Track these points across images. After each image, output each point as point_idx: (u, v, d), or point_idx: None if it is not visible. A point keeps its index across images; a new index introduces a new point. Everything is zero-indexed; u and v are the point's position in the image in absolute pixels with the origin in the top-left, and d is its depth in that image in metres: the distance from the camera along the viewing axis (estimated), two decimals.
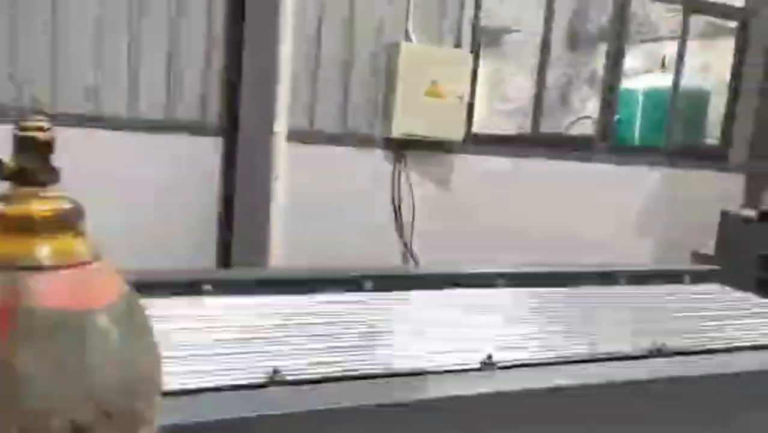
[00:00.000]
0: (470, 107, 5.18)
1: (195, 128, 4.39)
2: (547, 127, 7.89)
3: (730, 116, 6.44)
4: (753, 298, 2.32)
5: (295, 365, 1.42)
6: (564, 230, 5.53)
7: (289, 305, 1.83)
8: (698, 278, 2.72)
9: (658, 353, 1.69)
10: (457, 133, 5.02)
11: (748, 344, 1.86)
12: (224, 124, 4.43)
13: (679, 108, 6.46)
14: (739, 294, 2.35)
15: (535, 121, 5.51)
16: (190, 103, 4.38)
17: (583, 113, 7.99)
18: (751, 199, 6.59)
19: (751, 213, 2.76)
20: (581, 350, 1.68)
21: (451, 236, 5.05)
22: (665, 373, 1.58)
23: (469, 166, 5.25)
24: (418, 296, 2.07)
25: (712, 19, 6.83)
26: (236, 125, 4.37)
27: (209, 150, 4.42)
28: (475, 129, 5.31)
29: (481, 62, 5.30)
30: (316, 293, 1.92)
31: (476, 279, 2.21)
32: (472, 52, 5.05)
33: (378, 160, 4.95)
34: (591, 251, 5.57)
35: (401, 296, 2.05)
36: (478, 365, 1.52)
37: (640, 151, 6.37)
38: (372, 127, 4.88)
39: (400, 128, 4.81)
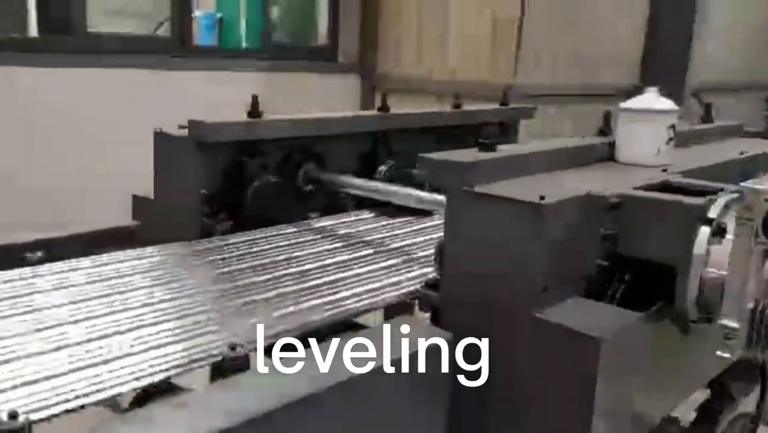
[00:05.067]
0: None
1: None
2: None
3: (335, 12, 5.66)
4: None
5: None
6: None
7: None
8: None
9: None
10: None
11: None
12: None
13: (281, 4, 5.52)
14: None
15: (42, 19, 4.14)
16: None
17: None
18: (367, 102, 6.00)
19: (181, 132, 1.75)
20: None
21: None
22: None
23: None
24: None
25: None
26: None
27: None
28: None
29: None
30: None
31: None
32: None
33: None
34: None
35: None
36: None
37: (237, 55, 5.34)
38: None
39: None
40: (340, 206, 2.13)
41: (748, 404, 1.79)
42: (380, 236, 1.89)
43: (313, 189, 2.06)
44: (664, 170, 1.56)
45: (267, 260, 1.63)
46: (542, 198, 1.22)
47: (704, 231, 1.27)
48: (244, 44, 5.79)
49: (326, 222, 1.98)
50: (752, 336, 1.21)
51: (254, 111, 1.90)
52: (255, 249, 1.70)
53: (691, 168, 1.61)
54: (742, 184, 1.23)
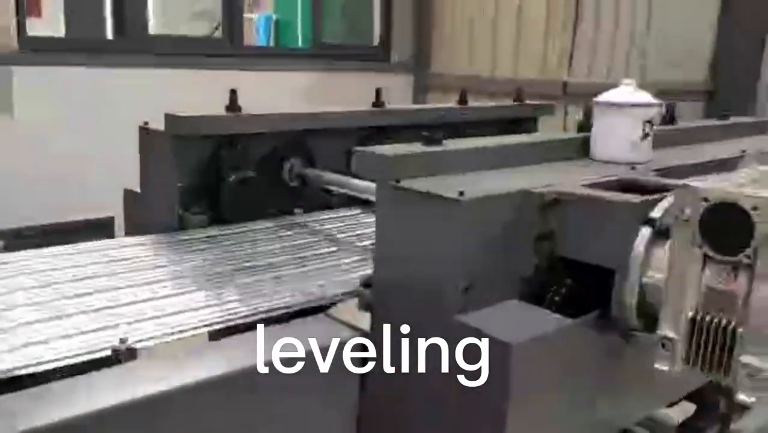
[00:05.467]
0: None
1: None
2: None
3: (388, 12, 5.63)
4: None
5: None
6: None
7: None
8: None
9: None
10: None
11: None
12: None
13: (337, 5, 5.55)
14: None
15: (119, 23, 4.29)
16: None
17: None
18: (420, 102, 5.95)
19: (158, 127, 1.77)
20: None
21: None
22: None
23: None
24: None
25: None
26: None
27: None
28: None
29: None
30: None
31: None
32: None
33: None
34: None
35: None
36: None
37: (288, 54, 5.41)
38: None
39: None
40: (330, 202, 2.10)
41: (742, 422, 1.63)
42: (358, 233, 1.85)
43: (300, 185, 2.04)
44: (633, 168, 1.45)
45: (226, 254, 1.62)
46: (461, 193, 1.15)
47: (644, 232, 1.16)
48: (300, 44, 5.86)
49: (307, 218, 1.96)
50: (690, 350, 1.09)
51: (233, 105, 1.89)
52: (215, 243, 1.69)
53: (669, 166, 1.49)
54: (681, 181, 1.11)
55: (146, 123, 1.92)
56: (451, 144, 1.40)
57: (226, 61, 4.72)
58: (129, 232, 1.96)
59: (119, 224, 2.01)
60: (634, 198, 1.17)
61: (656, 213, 1.16)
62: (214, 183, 1.87)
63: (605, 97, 1.54)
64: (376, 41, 5.82)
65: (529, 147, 1.53)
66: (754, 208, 1.00)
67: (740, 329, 1.04)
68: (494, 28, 5.25)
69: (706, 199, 1.05)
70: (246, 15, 6.25)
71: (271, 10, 6.18)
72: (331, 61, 5.23)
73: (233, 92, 1.90)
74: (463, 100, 2.45)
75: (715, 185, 1.06)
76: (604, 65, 5.15)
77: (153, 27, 6.70)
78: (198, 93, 4.46)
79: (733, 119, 2.09)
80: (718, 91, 5.98)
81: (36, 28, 6.05)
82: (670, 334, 1.11)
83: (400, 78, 5.75)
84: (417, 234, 1.20)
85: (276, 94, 4.99)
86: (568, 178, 1.32)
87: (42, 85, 3.97)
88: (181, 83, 4.45)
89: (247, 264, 1.55)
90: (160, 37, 4.75)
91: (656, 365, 1.13)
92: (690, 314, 1.09)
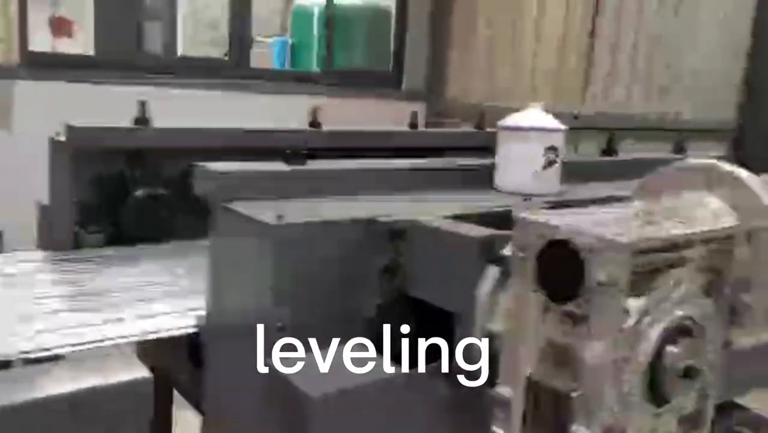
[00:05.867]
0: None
1: None
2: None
3: (401, 39, 5.55)
4: None
5: None
6: None
7: None
8: None
9: None
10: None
11: None
12: None
13: (350, 29, 5.50)
14: None
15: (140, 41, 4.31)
16: None
17: None
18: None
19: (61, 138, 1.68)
20: None
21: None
22: None
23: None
24: None
25: None
26: None
27: None
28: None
29: None
30: None
31: None
32: None
33: None
34: None
35: None
36: None
37: (296, 78, 5.34)
38: None
39: None
40: None
41: None
42: None
43: None
44: (526, 199, 1.28)
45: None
46: (279, 217, 1.00)
47: (492, 272, 0.99)
48: (315, 69, 5.80)
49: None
50: (525, 412, 0.91)
51: (141, 118, 1.79)
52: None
53: (572, 199, 1.31)
54: (518, 213, 0.94)
55: (57, 134, 1.83)
56: (317, 164, 1.26)
57: (231, 83, 4.68)
58: (40, 246, 1.87)
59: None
60: (479, 231, 1.00)
61: (508, 250, 0.99)
62: (118, 200, 1.77)
63: (506, 120, 1.37)
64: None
65: (421, 172, 1.37)
66: (588, 249, 0.83)
67: (574, 393, 0.85)
68: (511, 54, 5.11)
69: (543, 236, 0.88)
70: (268, 39, 6.26)
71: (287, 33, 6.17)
72: (341, 87, 5.15)
73: (142, 104, 1.80)
74: (413, 125, 2.30)
75: (555, 218, 0.88)
76: (623, 96, 4.94)
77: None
78: (198, 114, 4.44)
79: (690, 153, 1.89)
80: (745, 129, 5.67)
81: (68, 47, 6.18)
82: (506, 393, 0.93)
83: (411, 106, 5.61)
84: (239, 262, 1.06)
85: (282, 116, 4.93)
86: (439, 208, 1.16)
87: (43, 100, 3.98)
88: (181, 104, 4.42)
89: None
90: (160, 57, 4.73)
91: (494, 428, 0.95)
92: (528, 370, 0.92)
